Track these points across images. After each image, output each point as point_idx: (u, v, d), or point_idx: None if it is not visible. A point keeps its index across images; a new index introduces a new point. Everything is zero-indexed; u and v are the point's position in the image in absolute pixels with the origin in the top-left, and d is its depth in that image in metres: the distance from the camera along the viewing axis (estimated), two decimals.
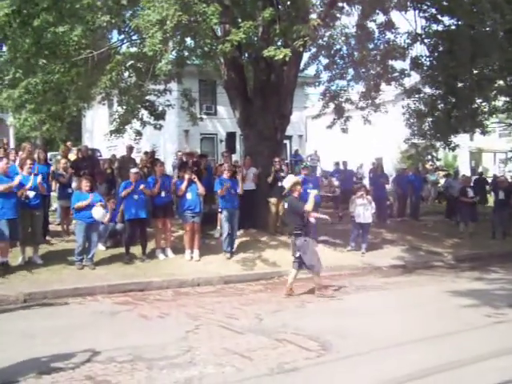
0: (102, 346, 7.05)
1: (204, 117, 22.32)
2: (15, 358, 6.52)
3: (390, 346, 7.17)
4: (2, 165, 11.33)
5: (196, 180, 12.98)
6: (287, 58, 12.05)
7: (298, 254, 10.48)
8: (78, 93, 14.09)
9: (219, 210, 14.52)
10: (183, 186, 12.91)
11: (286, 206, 11.36)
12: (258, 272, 12.77)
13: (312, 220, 10.98)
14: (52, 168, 14.09)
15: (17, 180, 11.26)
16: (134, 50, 14.70)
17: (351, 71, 18.71)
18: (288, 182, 11.11)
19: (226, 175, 13.61)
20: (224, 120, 27.03)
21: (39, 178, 11.87)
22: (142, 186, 12.47)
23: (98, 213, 11.66)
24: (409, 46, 17.47)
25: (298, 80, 16.66)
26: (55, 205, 14.92)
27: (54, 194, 14.74)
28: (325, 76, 19.53)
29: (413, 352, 6.98)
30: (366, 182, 21.28)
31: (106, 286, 10.72)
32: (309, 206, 10.56)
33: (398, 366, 6.39)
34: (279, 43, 13.85)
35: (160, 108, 17.16)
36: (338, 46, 18.48)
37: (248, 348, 7.13)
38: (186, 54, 15.84)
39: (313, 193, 11.08)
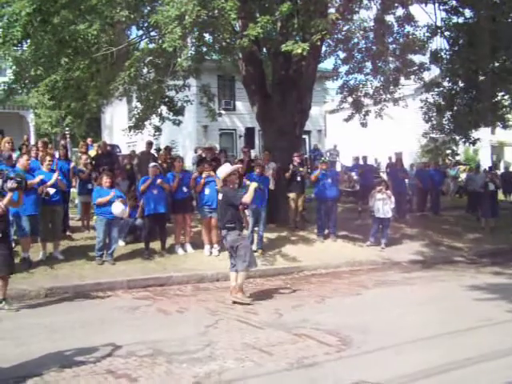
0: (122, 340, 7.10)
1: (223, 112, 22.34)
2: (37, 352, 6.59)
3: (410, 342, 7.15)
4: (22, 161, 11.42)
5: (214, 176, 12.97)
6: (305, 53, 12.01)
7: (229, 246, 9.70)
8: (98, 89, 14.16)
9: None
10: (201, 182, 12.94)
11: (219, 196, 10.09)
12: (278, 267, 12.76)
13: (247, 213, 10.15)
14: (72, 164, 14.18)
15: (37, 178, 11.34)
16: (152, 46, 14.75)
17: (369, 65, 18.62)
18: (223, 171, 10.04)
19: (256, 172, 13.60)
20: (243, 115, 27.05)
21: (56, 174, 11.89)
22: (159, 181, 12.47)
23: (118, 208, 11.71)
24: (428, 40, 17.35)
25: (316, 74, 16.59)
26: (76, 200, 15.03)
27: (74, 190, 14.86)
28: (343, 70, 19.51)
29: (433, 347, 6.95)
30: (385, 176, 21.13)
31: (125, 281, 10.79)
32: (247, 198, 9.67)
33: (418, 362, 6.36)
34: (297, 38, 13.80)
35: (179, 104, 17.22)
36: (356, 40, 18.39)
37: (267, 343, 7.14)
38: (205, 49, 15.86)
39: (252, 185, 9.95)
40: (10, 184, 8.23)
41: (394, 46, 17.79)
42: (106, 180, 12.22)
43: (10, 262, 8.94)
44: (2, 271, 8.89)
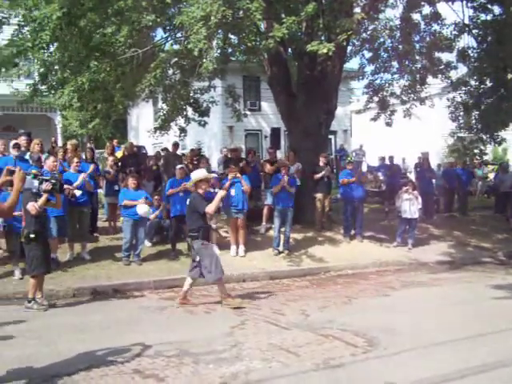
0: (149, 340, 7.14)
1: (248, 113, 22.34)
2: (65, 352, 6.66)
3: (437, 344, 7.06)
4: (49, 163, 11.55)
5: (240, 177, 12.97)
6: (331, 53, 11.95)
7: (197, 258, 9.31)
8: (124, 91, 14.26)
9: (265, 205, 14.62)
10: (227, 184, 12.95)
11: (187, 202, 9.87)
12: (304, 268, 12.74)
13: (213, 225, 9.67)
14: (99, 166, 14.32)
15: (80, 177, 11.47)
16: (177, 47, 14.80)
17: (396, 64, 18.47)
18: (195, 175, 9.75)
19: (282, 173, 13.59)
20: (268, 116, 27.02)
21: (82, 175, 12.02)
22: (183, 184, 12.41)
23: (142, 209, 11.78)
24: (456, 38, 17.16)
25: (342, 74, 16.52)
26: (103, 201, 15.16)
27: (101, 191, 14.99)
28: (369, 69, 19.39)
29: (460, 350, 6.84)
30: (413, 176, 20.95)
31: (152, 281, 10.85)
32: (211, 208, 9.23)
33: (445, 364, 6.28)
34: (323, 38, 13.75)
35: (204, 105, 17.26)
36: (382, 39, 18.25)
37: (294, 344, 7.12)
38: (230, 50, 15.88)
39: (219, 194, 9.64)
40: (45, 186, 8.37)
41: (421, 44, 17.62)
42: (132, 181, 12.32)
43: (43, 263, 9.04)
44: (34, 271, 9.02)
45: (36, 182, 8.49)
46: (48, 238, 9.66)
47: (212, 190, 12.92)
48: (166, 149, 19.00)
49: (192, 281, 9.46)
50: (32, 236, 8.85)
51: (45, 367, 6.15)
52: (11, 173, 6.33)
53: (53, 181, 8.45)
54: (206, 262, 9.13)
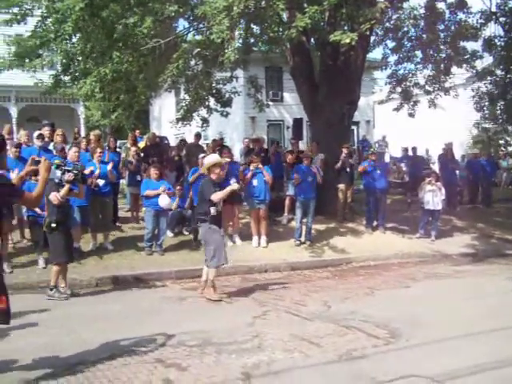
0: (171, 330, 7.17)
1: (270, 103, 22.29)
2: (88, 340, 6.72)
3: (460, 336, 6.99)
4: (71, 153, 11.63)
5: (262, 168, 12.94)
6: (354, 43, 11.83)
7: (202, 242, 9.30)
8: (146, 81, 14.29)
9: (287, 196, 14.61)
10: (249, 175, 12.94)
11: (199, 185, 9.80)
12: (326, 259, 12.70)
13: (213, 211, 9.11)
14: (122, 155, 14.38)
15: (88, 169, 11.54)
16: (199, 37, 14.77)
17: (419, 54, 18.28)
18: (208, 161, 9.63)
19: (304, 163, 13.54)
20: (290, 106, 26.92)
21: (109, 166, 12.18)
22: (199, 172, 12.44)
23: (164, 200, 11.82)
24: (482, 26, 16.93)
25: (365, 64, 16.38)
26: (126, 192, 15.25)
27: (123, 182, 15.08)
28: (392, 59, 19.21)
29: (483, 343, 6.76)
30: (436, 167, 20.75)
31: (174, 271, 10.90)
32: (216, 197, 9.02)
33: (467, 357, 6.21)
34: (346, 27, 13.64)
35: (226, 95, 17.24)
36: (405, 29, 18.06)
37: (316, 334, 7.10)
38: (252, 40, 15.83)
39: (234, 186, 9.61)
40: (68, 176, 8.44)
41: (446, 33, 17.39)
42: (154, 172, 12.35)
43: (64, 252, 9.13)
44: (56, 260, 9.12)
45: (58, 173, 8.56)
46: (71, 228, 9.73)
47: (233, 181, 12.96)
48: (184, 140, 19.04)
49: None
50: (54, 225, 8.95)
51: (68, 355, 6.21)
52: (36, 163, 6.38)
53: (75, 171, 8.52)
54: (210, 247, 9.06)
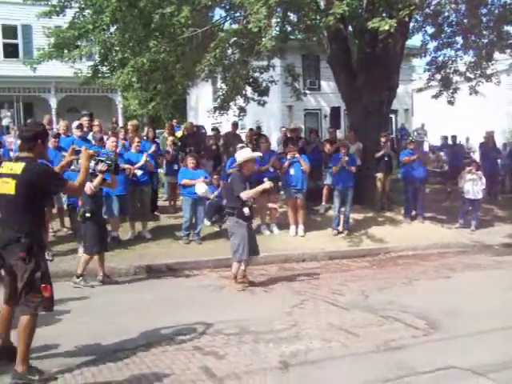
0: (209, 318, 7.21)
1: (307, 92, 22.13)
2: (127, 328, 6.79)
3: (501, 328, 6.85)
4: (109, 143, 11.76)
5: (299, 157, 12.88)
6: (392, 29, 11.65)
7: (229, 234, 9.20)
8: (184, 71, 14.32)
9: (324, 185, 14.54)
10: (286, 164, 12.90)
11: (229, 180, 9.74)
12: (364, 248, 12.61)
13: (246, 211, 9.03)
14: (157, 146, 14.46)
15: (143, 159, 11.68)
16: (236, 26, 14.73)
17: (460, 40, 17.89)
18: (241, 156, 9.43)
19: (342, 152, 13.47)
20: (327, 95, 26.74)
21: (144, 156, 12.22)
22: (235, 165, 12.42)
23: (201, 189, 11.85)
24: None
25: (404, 51, 16.13)
26: (163, 181, 15.36)
27: (161, 171, 15.19)
28: (431, 46, 18.87)
29: None
30: (477, 156, 20.40)
31: (211, 260, 10.93)
32: (246, 195, 8.93)
33: (508, 349, 6.12)
34: (384, 14, 13.44)
35: (264, 84, 17.19)
36: (446, 14, 17.69)
37: (354, 324, 7.06)
38: (289, 28, 15.72)
39: (265, 184, 9.37)
40: (101, 166, 8.51)
41: (488, 17, 16.95)
42: (191, 161, 12.39)
43: (97, 242, 9.24)
44: (86, 249, 9.26)
45: (92, 163, 8.63)
46: (103, 218, 9.86)
47: (271, 170, 12.95)
48: (216, 129, 19.08)
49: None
50: (88, 215, 9.09)
51: (107, 342, 6.30)
52: (77, 152, 6.48)
53: (108, 162, 8.58)
54: (235, 241, 9.04)
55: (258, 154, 10.64)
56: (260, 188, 9.20)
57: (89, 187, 8.87)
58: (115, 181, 9.35)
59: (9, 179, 5.27)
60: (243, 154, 9.53)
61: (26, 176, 5.23)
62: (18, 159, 5.46)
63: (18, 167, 5.28)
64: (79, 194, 8.05)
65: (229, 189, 9.56)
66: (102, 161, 8.57)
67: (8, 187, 5.27)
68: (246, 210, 8.96)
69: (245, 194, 8.93)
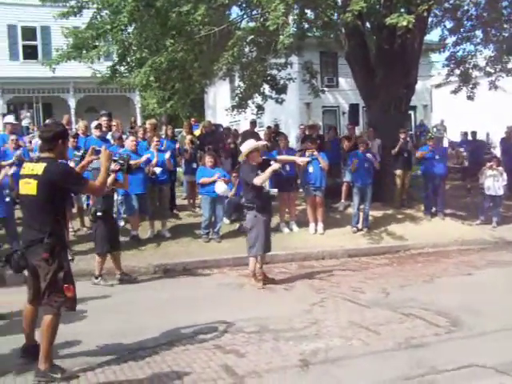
0: (229, 316, 7.21)
1: (325, 89, 22.06)
2: (148, 326, 6.83)
3: None
4: (128, 142, 11.81)
5: (317, 155, 12.81)
6: (411, 25, 11.56)
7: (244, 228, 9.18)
8: (201, 70, 14.34)
9: (343, 182, 14.49)
10: (304, 160, 12.82)
11: (240, 174, 9.72)
12: (384, 246, 12.55)
13: (273, 190, 9.27)
14: (177, 144, 14.49)
15: (144, 157, 11.71)
16: (253, 24, 14.70)
17: (480, 34, 17.70)
18: (245, 147, 9.37)
19: (361, 150, 13.41)
20: (346, 92, 26.62)
21: (167, 155, 12.30)
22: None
23: (221, 188, 11.86)
24: None
25: (422, 47, 16.00)
26: (182, 179, 15.39)
27: (180, 170, 15.22)
28: (450, 40, 18.70)
29: None
30: (497, 152, 20.18)
31: (231, 258, 10.94)
32: (258, 180, 8.84)
33: None
34: (402, 9, 13.34)
35: (281, 82, 17.16)
36: (465, 7, 17.50)
37: (374, 322, 7.02)
38: (307, 26, 15.66)
39: (275, 166, 9.13)
40: (113, 166, 8.54)
41: (509, 10, 16.74)
42: (208, 159, 12.40)
43: (108, 241, 9.29)
44: (99, 249, 9.29)
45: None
46: (114, 217, 9.87)
47: (289, 168, 12.90)
48: (228, 128, 19.01)
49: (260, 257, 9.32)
50: (99, 214, 9.13)
51: (128, 341, 6.33)
52: (97, 152, 6.51)
53: (121, 161, 8.61)
54: (252, 235, 9.02)
55: (262, 142, 10.55)
56: (270, 170, 8.98)
57: None
58: (127, 181, 9.39)
59: (30, 180, 5.31)
60: (247, 144, 9.47)
61: (47, 176, 5.26)
62: (39, 160, 5.49)
63: (39, 168, 5.31)
64: (100, 194, 8.07)
65: (243, 182, 9.56)
66: (114, 160, 8.61)
67: (30, 188, 5.31)
68: (272, 191, 8.97)
69: (258, 179, 8.86)
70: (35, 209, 5.35)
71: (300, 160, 9.88)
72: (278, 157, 9.46)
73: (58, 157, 5.52)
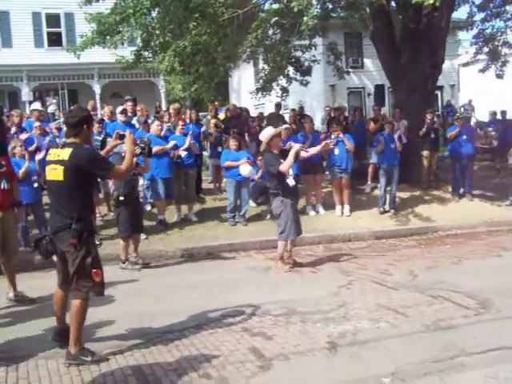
0: (256, 299, 7.22)
1: (350, 70, 21.87)
2: (176, 310, 6.88)
3: None
4: (154, 127, 11.83)
5: (343, 137, 12.69)
6: (438, 3, 11.36)
7: (268, 217, 9.12)
8: (225, 53, 14.30)
9: (370, 164, 14.38)
10: (330, 141, 12.73)
11: (264, 164, 9.69)
12: (411, 227, 12.43)
13: (291, 181, 8.97)
14: (203, 128, 14.49)
15: (171, 143, 11.72)
16: (277, 6, 14.59)
17: (510, 9, 17.30)
18: (265, 135, 9.24)
19: (387, 130, 13.28)
20: (371, 73, 26.37)
21: (189, 138, 12.23)
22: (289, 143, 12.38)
23: (245, 170, 11.81)
24: None
25: (450, 25, 15.72)
26: (208, 163, 15.41)
27: (205, 153, 15.24)
28: (478, 17, 18.34)
29: None
30: None
31: (258, 241, 10.93)
32: (285, 167, 8.80)
33: None
34: None
35: (306, 64, 17.04)
36: None
37: (402, 304, 6.98)
38: (331, 6, 15.50)
39: (295, 147, 8.98)
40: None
41: None
42: (233, 143, 12.38)
43: (131, 225, 9.32)
44: (122, 233, 9.34)
45: (125, 147, 8.68)
46: (138, 201, 9.95)
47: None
48: (246, 110, 18.86)
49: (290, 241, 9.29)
50: (121, 198, 9.16)
51: (157, 324, 6.39)
52: (121, 137, 6.53)
53: (141, 145, 8.63)
54: (280, 221, 8.99)
55: (282, 127, 10.38)
56: (292, 153, 8.88)
57: None
58: (148, 164, 9.42)
59: (57, 165, 5.33)
60: (266, 132, 9.38)
61: (74, 161, 5.27)
62: (64, 145, 5.51)
63: (65, 153, 5.32)
64: (126, 178, 8.09)
65: (266, 170, 9.51)
66: (136, 144, 8.64)
67: (56, 173, 5.34)
68: (289, 181, 8.92)
69: (284, 166, 8.80)
70: (62, 194, 5.38)
71: (323, 146, 9.70)
72: (305, 154, 9.31)
73: (83, 142, 5.54)
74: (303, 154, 9.20)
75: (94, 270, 5.35)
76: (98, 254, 5.56)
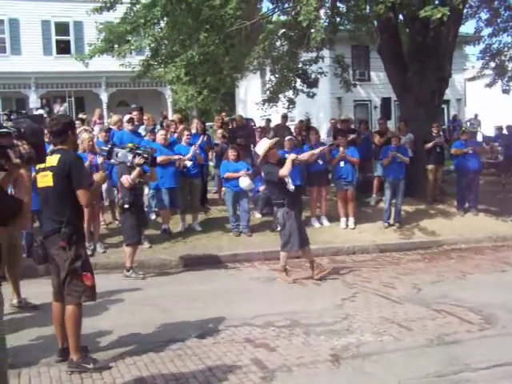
0: (259, 310, 7.21)
1: (357, 83, 21.91)
2: (178, 319, 6.88)
3: None
4: (159, 136, 11.86)
5: (344, 155, 12.66)
6: (445, 18, 11.39)
7: (279, 228, 9.20)
8: (233, 63, 14.35)
9: (375, 177, 14.36)
10: (336, 159, 12.77)
11: (262, 175, 9.74)
12: (416, 241, 12.40)
13: (291, 187, 9.00)
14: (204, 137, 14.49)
15: (176, 156, 11.76)
16: (285, 18, 14.64)
17: None
18: (261, 147, 9.23)
19: (393, 143, 13.28)
20: (377, 86, 26.41)
21: (193, 148, 12.23)
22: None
23: (245, 182, 11.83)
24: None
25: (457, 39, 15.74)
26: (213, 173, 15.43)
27: (211, 164, 15.26)
28: (486, 32, 18.35)
29: None
30: None
31: (262, 252, 10.93)
32: (284, 172, 8.80)
33: None
34: (436, 1, 13.15)
35: (313, 76, 17.07)
36: None
37: (406, 318, 6.95)
38: (339, 19, 15.55)
39: (290, 157, 9.09)
40: (138, 160, 8.63)
41: None
42: (232, 153, 12.38)
43: (137, 233, 9.37)
44: (129, 240, 9.34)
45: (130, 156, 8.71)
46: (143, 210, 10.02)
47: (321, 163, 12.81)
48: (250, 119, 18.86)
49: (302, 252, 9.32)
50: (126, 206, 9.20)
51: (159, 333, 6.41)
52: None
53: (145, 155, 8.70)
54: (286, 232, 8.97)
55: (275, 139, 10.43)
56: (289, 161, 8.93)
57: (126, 180, 9.01)
58: (155, 173, 9.47)
59: (47, 172, 5.43)
60: (261, 145, 9.38)
61: (62, 167, 5.37)
62: (53, 152, 5.55)
63: (54, 159, 5.42)
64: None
65: (268, 182, 9.54)
66: (139, 154, 8.69)
67: (47, 180, 5.44)
68: (290, 187, 8.92)
69: (284, 171, 8.80)
70: (52, 199, 5.46)
71: (317, 151, 9.81)
72: (299, 156, 9.39)
73: (70, 147, 5.66)
74: (300, 157, 9.33)
75: (84, 273, 5.37)
76: (88, 258, 5.63)
